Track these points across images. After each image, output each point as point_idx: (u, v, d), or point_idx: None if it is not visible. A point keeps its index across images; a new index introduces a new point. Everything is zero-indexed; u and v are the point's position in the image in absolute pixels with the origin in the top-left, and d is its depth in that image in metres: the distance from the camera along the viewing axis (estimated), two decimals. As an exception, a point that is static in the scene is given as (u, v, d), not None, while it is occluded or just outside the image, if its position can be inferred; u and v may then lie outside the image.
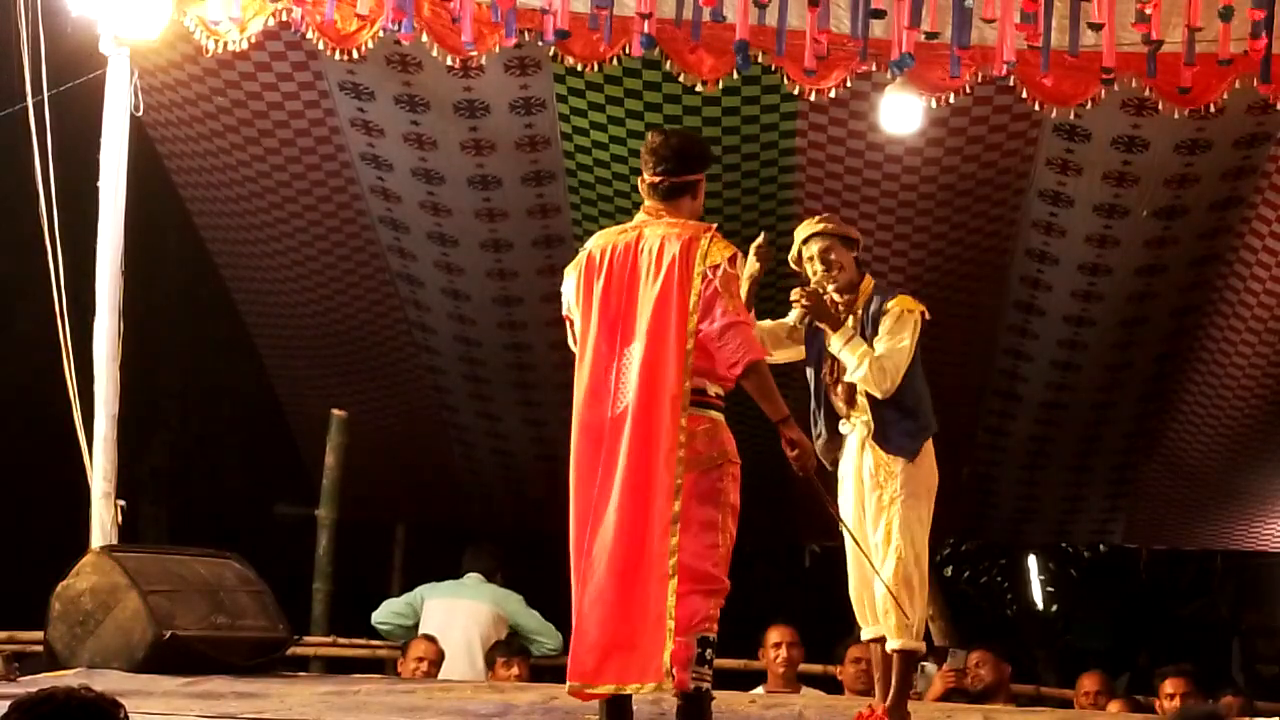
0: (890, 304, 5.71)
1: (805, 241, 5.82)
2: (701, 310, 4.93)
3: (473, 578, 8.93)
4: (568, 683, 4.97)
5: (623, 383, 4.96)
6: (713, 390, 5.02)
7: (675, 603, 4.79)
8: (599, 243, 5.16)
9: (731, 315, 4.93)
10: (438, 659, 8.17)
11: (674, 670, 4.80)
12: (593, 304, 5.06)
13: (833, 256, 5.75)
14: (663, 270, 4.96)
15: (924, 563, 5.64)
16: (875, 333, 5.68)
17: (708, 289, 4.92)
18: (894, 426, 5.66)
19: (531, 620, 8.71)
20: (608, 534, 4.89)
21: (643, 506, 4.87)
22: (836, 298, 5.76)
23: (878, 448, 5.65)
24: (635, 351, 4.95)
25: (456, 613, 8.61)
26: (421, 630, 8.53)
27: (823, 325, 5.73)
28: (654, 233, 5.05)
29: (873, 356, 5.62)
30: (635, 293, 5.00)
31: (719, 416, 5.04)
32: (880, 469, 5.64)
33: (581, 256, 5.17)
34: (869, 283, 5.82)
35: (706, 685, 4.95)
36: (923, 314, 5.73)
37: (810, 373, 5.87)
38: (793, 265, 5.88)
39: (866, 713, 5.72)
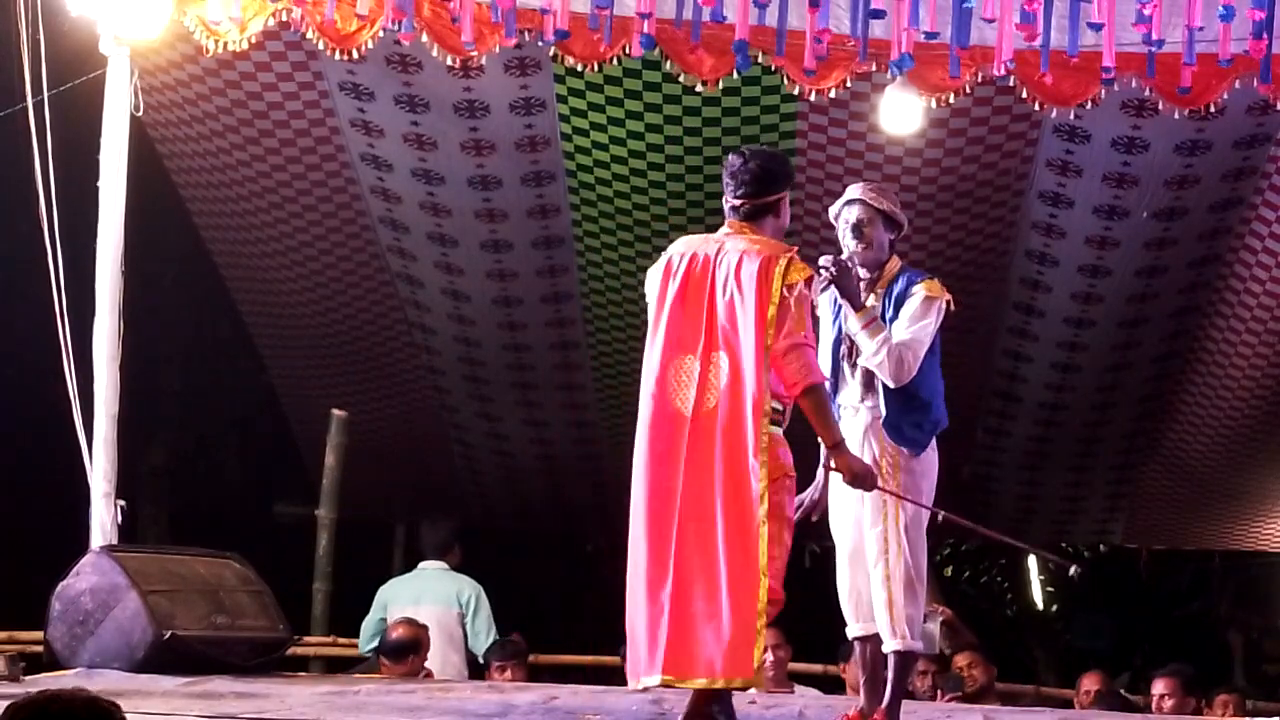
0: (917, 287, 5.50)
1: (848, 204, 5.60)
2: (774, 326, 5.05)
3: (431, 566, 8.71)
4: (656, 675, 4.99)
5: (710, 384, 5.07)
6: (774, 405, 5.10)
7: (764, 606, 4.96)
8: (679, 249, 5.25)
9: (797, 336, 5.06)
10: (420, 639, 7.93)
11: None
12: (665, 304, 5.17)
13: (866, 230, 5.54)
14: (741, 285, 5.06)
15: (924, 561, 5.51)
16: (896, 316, 5.47)
17: (781, 307, 5.03)
18: (905, 417, 5.47)
19: (480, 623, 8.48)
20: (711, 534, 5.00)
21: (741, 510, 5.00)
22: (862, 274, 5.55)
23: (884, 438, 5.47)
24: (723, 359, 5.07)
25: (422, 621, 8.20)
26: None
27: (844, 301, 5.50)
28: (735, 246, 5.15)
29: (892, 344, 5.42)
30: (714, 300, 5.10)
31: (778, 431, 5.11)
32: (884, 460, 5.45)
33: (662, 260, 5.24)
34: (895, 263, 5.60)
35: None
36: (948, 303, 5.52)
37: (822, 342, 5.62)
38: (831, 218, 5.68)
39: (854, 715, 5.52)
